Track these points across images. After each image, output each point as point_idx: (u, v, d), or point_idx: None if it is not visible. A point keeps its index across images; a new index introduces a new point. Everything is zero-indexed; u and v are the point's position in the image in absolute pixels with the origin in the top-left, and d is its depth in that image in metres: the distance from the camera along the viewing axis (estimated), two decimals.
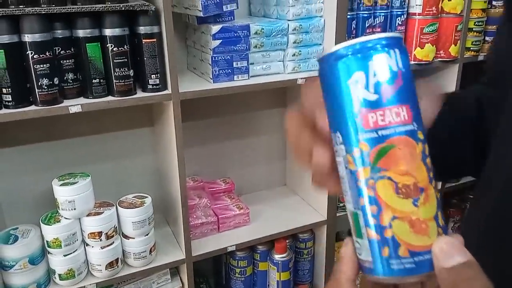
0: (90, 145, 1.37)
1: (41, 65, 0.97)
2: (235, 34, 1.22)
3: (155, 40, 1.08)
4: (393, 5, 1.42)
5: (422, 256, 0.29)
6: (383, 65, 0.29)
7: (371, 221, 0.30)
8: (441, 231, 0.30)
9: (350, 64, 0.29)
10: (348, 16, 1.32)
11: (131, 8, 1.01)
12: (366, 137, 0.29)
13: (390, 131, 0.29)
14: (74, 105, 1.02)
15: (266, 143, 1.66)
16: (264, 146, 1.66)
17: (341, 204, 1.54)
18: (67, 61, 1.04)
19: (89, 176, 1.15)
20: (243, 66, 1.26)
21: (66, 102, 1.05)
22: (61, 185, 1.10)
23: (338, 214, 1.53)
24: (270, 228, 1.46)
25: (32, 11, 0.93)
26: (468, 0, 1.47)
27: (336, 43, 1.31)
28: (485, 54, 1.58)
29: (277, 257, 1.48)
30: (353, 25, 1.37)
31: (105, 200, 1.22)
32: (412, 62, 1.46)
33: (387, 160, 0.29)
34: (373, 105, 0.29)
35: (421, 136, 0.30)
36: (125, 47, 1.05)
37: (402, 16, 1.43)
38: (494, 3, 1.57)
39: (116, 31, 1.03)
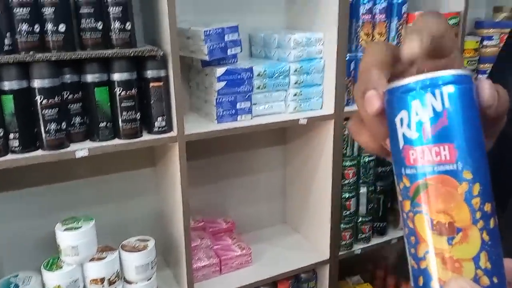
0: (90, 187, 1.35)
1: (50, 110, 0.97)
2: (239, 76, 1.24)
3: (162, 83, 1.09)
4: None
5: None
6: (425, 104, 0.30)
7: (411, 250, 0.31)
8: (481, 273, 0.30)
9: (397, 103, 0.31)
10: (347, 58, 1.35)
11: (140, 54, 1.02)
12: (408, 173, 0.31)
13: (429, 169, 0.30)
14: (81, 149, 1.02)
15: (265, 180, 1.66)
16: (264, 184, 1.66)
17: (344, 243, 1.53)
18: (75, 105, 1.04)
19: (92, 219, 1.13)
20: (246, 107, 1.27)
21: (73, 146, 1.04)
22: (64, 230, 1.08)
23: (340, 253, 1.52)
24: (273, 268, 1.44)
25: (43, 58, 0.93)
26: (461, 39, 1.52)
27: (336, 83, 1.35)
28: None
29: None
30: (352, 66, 1.40)
31: (107, 244, 1.19)
32: None
33: (424, 197, 0.30)
34: (414, 143, 0.30)
35: (467, 175, 0.30)
36: (133, 90, 1.06)
37: None
38: (485, 42, 1.63)
39: (125, 76, 1.04)
